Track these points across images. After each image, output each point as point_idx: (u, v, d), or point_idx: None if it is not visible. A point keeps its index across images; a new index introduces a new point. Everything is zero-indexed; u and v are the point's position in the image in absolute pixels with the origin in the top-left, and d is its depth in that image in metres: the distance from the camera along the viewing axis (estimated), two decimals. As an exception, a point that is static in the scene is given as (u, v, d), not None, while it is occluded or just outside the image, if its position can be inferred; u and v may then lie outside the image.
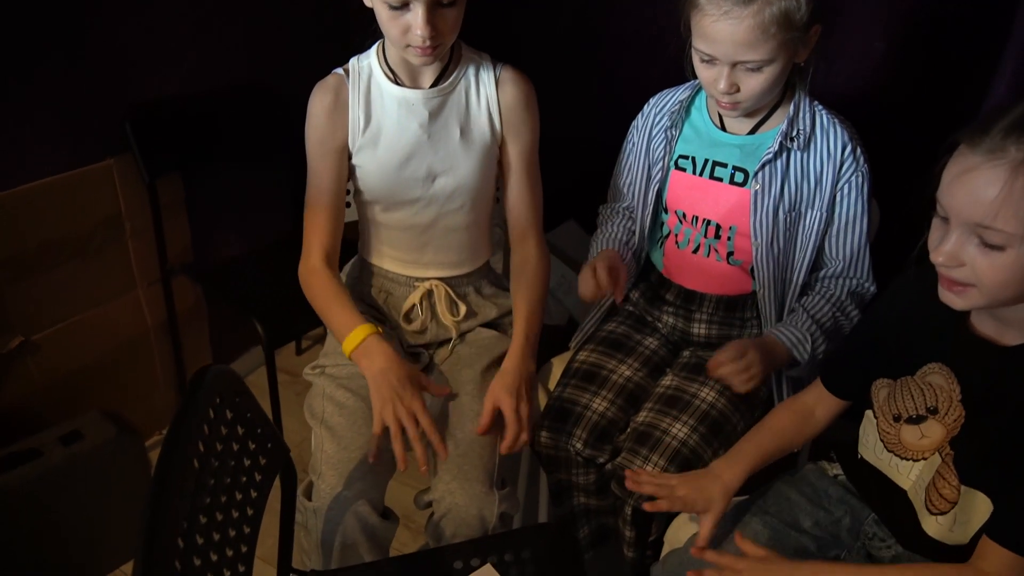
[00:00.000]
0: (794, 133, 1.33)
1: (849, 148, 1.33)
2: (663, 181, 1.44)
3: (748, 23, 1.18)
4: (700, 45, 1.25)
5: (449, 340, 1.50)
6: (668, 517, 1.40)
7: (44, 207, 1.68)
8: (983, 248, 0.89)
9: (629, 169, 1.50)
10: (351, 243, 1.58)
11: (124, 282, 1.90)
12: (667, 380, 1.47)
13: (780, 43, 1.20)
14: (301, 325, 1.92)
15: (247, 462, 1.05)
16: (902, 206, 1.48)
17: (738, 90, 1.26)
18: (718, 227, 1.40)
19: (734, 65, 1.23)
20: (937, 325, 1.03)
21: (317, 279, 1.39)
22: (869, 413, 1.13)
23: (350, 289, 1.53)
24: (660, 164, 1.43)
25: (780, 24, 1.19)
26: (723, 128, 1.39)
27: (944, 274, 0.93)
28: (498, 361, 1.46)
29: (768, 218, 1.35)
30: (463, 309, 1.49)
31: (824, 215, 1.36)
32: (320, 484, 1.28)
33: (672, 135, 1.42)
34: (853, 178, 1.34)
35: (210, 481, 0.95)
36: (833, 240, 1.39)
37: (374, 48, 1.38)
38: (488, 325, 1.54)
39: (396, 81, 1.36)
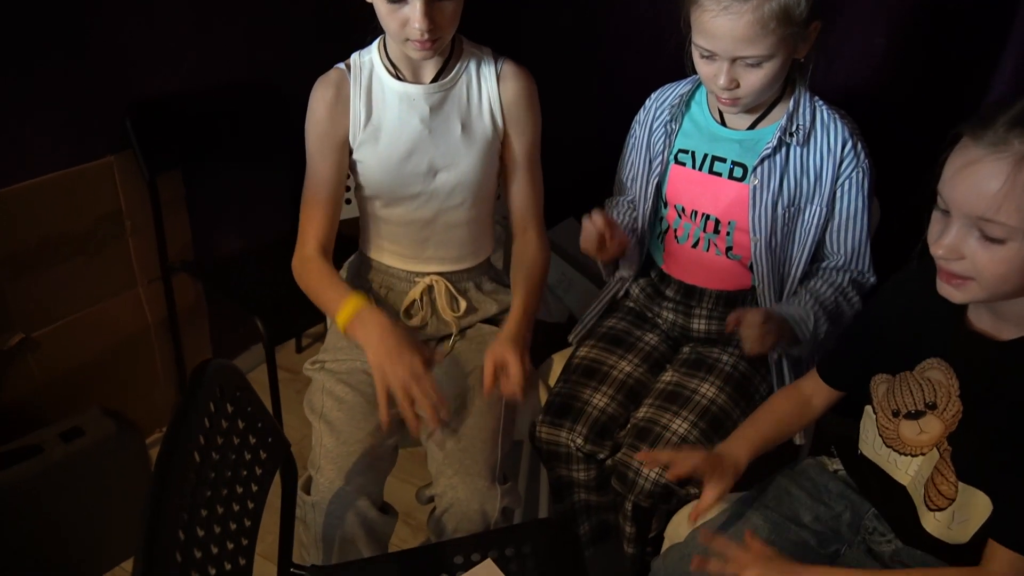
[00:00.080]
0: (793, 128, 1.33)
1: (850, 144, 1.33)
2: (663, 175, 1.44)
3: (747, 18, 1.18)
4: (700, 41, 1.25)
5: (449, 336, 1.50)
6: (668, 513, 1.40)
7: (45, 204, 1.68)
8: (984, 241, 0.89)
9: (631, 164, 1.51)
10: (351, 240, 1.58)
11: (124, 279, 1.90)
12: (667, 376, 1.47)
13: (779, 38, 1.20)
14: (301, 322, 1.92)
15: (247, 456, 1.05)
16: (903, 204, 1.49)
17: (738, 86, 1.26)
18: (717, 222, 1.40)
19: (733, 61, 1.23)
20: (936, 320, 1.03)
21: (310, 266, 1.39)
22: (868, 408, 1.13)
23: (350, 283, 1.53)
24: (660, 158, 1.43)
25: (779, 19, 1.19)
26: (723, 123, 1.39)
27: (943, 267, 0.93)
28: (498, 356, 1.47)
29: (767, 213, 1.35)
30: (463, 305, 1.49)
31: (824, 211, 1.37)
32: (319, 478, 1.28)
33: (672, 129, 1.42)
34: (854, 174, 1.34)
35: (211, 474, 0.95)
36: (834, 235, 1.39)
37: (375, 43, 1.38)
38: (488, 321, 1.54)
39: (397, 76, 1.36)
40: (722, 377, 1.43)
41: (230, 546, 0.96)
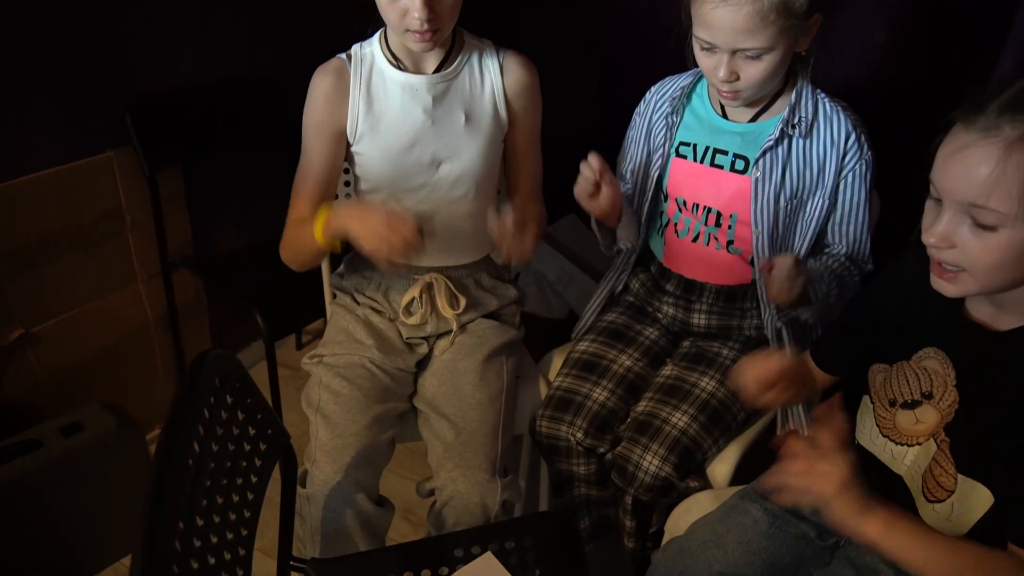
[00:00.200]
0: (795, 120, 1.33)
1: (853, 136, 1.33)
2: (663, 168, 1.44)
3: (747, 10, 1.18)
4: (700, 33, 1.25)
5: (449, 332, 1.50)
6: (669, 507, 1.40)
7: (45, 199, 1.68)
8: (975, 229, 0.88)
9: (631, 156, 1.50)
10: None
11: (124, 275, 1.90)
12: (667, 370, 1.47)
13: (779, 30, 1.20)
14: (301, 317, 1.93)
15: (247, 447, 1.05)
16: (902, 199, 1.48)
17: (738, 78, 1.26)
18: (719, 215, 1.40)
19: (734, 53, 1.23)
20: (933, 310, 1.02)
21: (289, 230, 1.41)
22: (866, 398, 1.13)
23: (348, 281, 1.53)
24: (661, 151, 1.43)
25: (779, 11, 1.19)
26: (724, 116, 1.39)
27: (935, 256, 0.93)
28: (499, 350, 1.47)
29: (769, 206, 1.35)
30: (463, 302, 1.49)
31: (826, 203, 1.36)
32: (314, 471, 1.28)
33: (673, 121, 1.42)
34: (857, 166, 1.34)
35: (210, 464, 0.95)
36: (836, 227, 1.39)
37: (376, 36, 1.38)
38: (489, 316, 1.53)
39: (399, 67, 1.36)
40: (722, 371, 1.42)
41: (230, 536, 0.96)
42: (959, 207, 0.89)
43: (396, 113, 1.36)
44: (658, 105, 1.46)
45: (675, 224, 1.46)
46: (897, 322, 1.08)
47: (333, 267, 1.60)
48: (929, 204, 0.93)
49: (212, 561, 0.89)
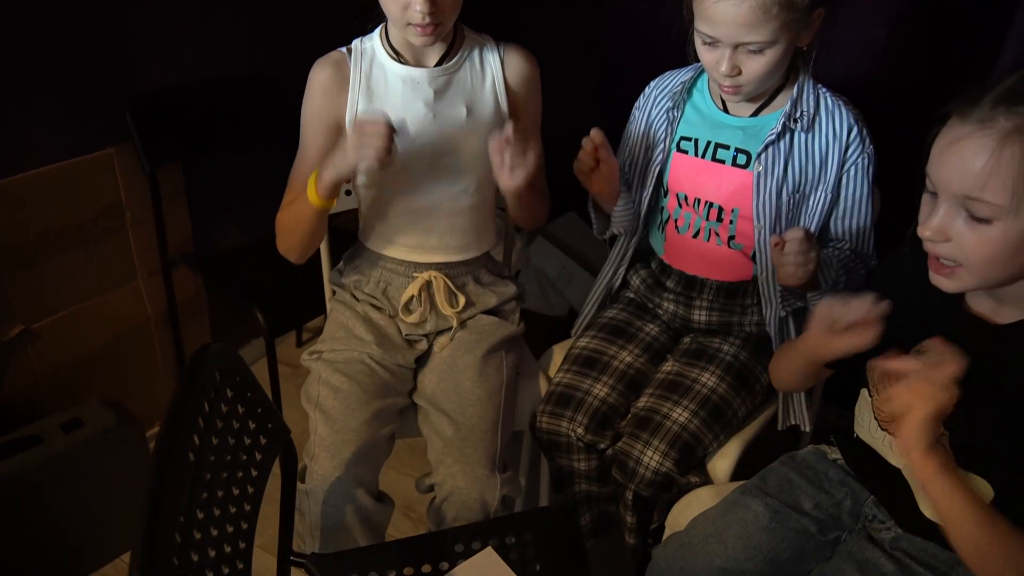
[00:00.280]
0: (797, 115, 1.32)
1: (856, 130, 1.33)
2: (664, 163, 1.44)
3: (750, 3, 1.18)
4: (702, 27, 1.25)
5: (449, 328, 1.49)
6: (669, 503, 1.40)
7: (45, 195, 1.68)
8: (971, 222, 0.88)
9: (630, 151, 1.50)
10: (350, 234, 1.58)
11: (125, 272, 1.89)
12: (668, 366, 1.47)
13: (782, 24, 1.20)
14: (302, 314, 1.92)
15: (247, 441, 1.05)
16: (902, 195, 1.48)
17: (740, 73, 1.25)
18: (720, 210, 1.40)
19: (736, 47, 1.23)
20: (932, 304, 1.02)
21: (281, 214, 1.43)
22: (864, 392, 1.13)
23: (348, 276, 1.53)
24: (661, 146, 1.43)
25: (782, 5, 1.19)
26: (726, 110, 1.39)
27: (931, 250, 0.93)
28: (498, 346, 1.47)
29: (771, 200, 1.35)
30: (462, 300, 1.48)
31: (828, 197, 1.36)
32: (313, 467, 1.28)
33: (674, 116, 1.42)
34: (859, 160, 1.34)
35: (210, 457, 0.94)
36: (839, 221, 1.39)
37: (377, 31, 1.38)
38: (488, 312, 1.53)
39: (400, 61, 1.36)
40: (723, 367, 1.42)
41: (230, 529, 0.95)
42: (954, 200, 0.89)
43: (397, 106, 1.36)
44: (658, 100, 1.45)
45: (675, 220, 1.46)
46: (896, 316, 1.08)
47: (333, 263, 1.60)
48: (925, 198, 0.93)
49: (212, 554, 0.89)
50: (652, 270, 1.56)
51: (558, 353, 1.61)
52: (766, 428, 1.48)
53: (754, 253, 1.41)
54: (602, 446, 1.43)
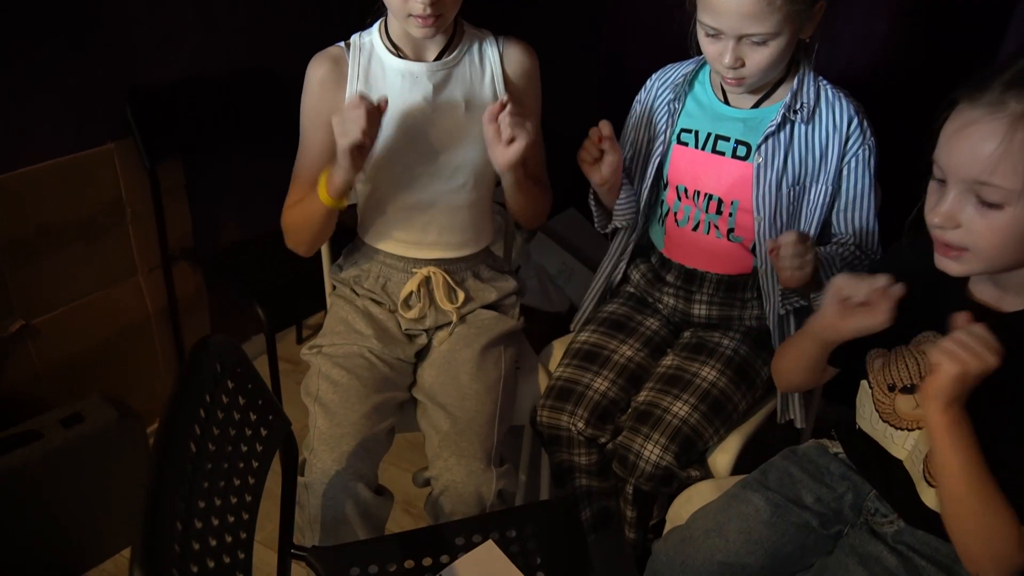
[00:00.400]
0: (797, 106, 1.32)
1: (856, 121, 1.33)
2: (664, 155, 1.44)
3: None
4: (705, 18, 1.24)
5: (449, 323, 1.49)
6: (669, 498, 1.40)
7: (45, 190, 1.68)
8: (981, 207, 0.88)
9: (631, 144, 1.50)
10: (349, 230, 1.58)
11: (125, 267, 1.89)
12: (668, 360, 1.47)
13: (785, 16, 1.20)
14: (302, 309, 1.92)
15: (248, 432, 1.05)
16: (903, 190, 1.48)
17: (743, 64, 1.25)
18: (720, 202, 1.40)
19: (739, 39, 1.23)
20: (934, 292, 1.02)
21: (290, 210, 1.42)
22: (864, 383, 1.12)
23: (347, 271, 1.53)
24: (662, 138, 1.43)
25: None
26: (726, 102, 1.39)
27: (939, 237, 0.92)
28: (497, 340, 1.46)
29: (771, 192, 1.35)
30: (461, 296, 1.48)
31: (829, 189, 1.36)
32: (312, 460, 1.28)
33: (675, 108, 1.42)
34: (860, 151, 1.34)
35: (211, 448, 0.94)
36: (842, 215, 1.38)
37: (376, 24, 1.38)
38: (488, 307, 1.53)
39: (399, 55, 1.36)
40: (723, 361, 1.42)
41: (231, 519, 0.95)
42: (964, 185, 0.88)
43: (395, 101, 1.35)
44: (660, 92, 1.45)
45: (675, 213, 1.46)
46: (896, 306, 1.07)
47: (333, 258, 1.60)
48: (932, 186, 0.93)
49: (213, 543, 0.89)
50: (652, 264, 1.55)
51: (558, 348, 1.61)
52: (766, 423, 1.48)
53: (754, 246, 1.41)
54: (602, 440, 1.42)
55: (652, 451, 1.33)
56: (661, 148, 1.43)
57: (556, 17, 2.23)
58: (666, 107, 1.43)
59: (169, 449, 0.85)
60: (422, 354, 1.49)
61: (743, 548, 1.15)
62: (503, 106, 1.24)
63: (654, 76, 1.48)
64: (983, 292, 0.99)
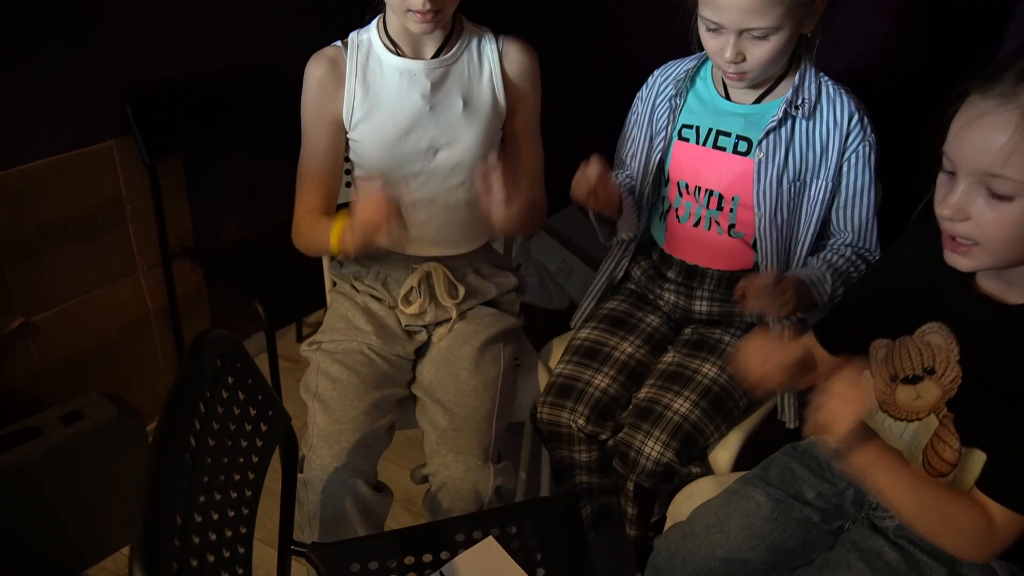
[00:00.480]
0: (799, 102, 1.32)
1: (856, 117, 1.33)
2: (666, 151, 1.44)
3: None
4: (706, 13, 1.24)
5: (449, 320, 1.49)
6: (670, 495, 1.39)
7: (45, 187, 1.67)
8: (990, 200, 0.87)
9: (632, 140, 1.50)
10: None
11: (125, 265, 1.89)
12: (669, 357, 1.47)
13: (786, 10, 1.20)
14: (302, 307, 1.92)
15: (248, 427, 1.05)
16: (903, 187, 1.48)
17: (744, 59, 1.25)
18: (720, 197, 1.40)
19: (740, 33, 1.23)
20: (939, 284, 1.02)
21: (304, 221, 1.41)
22: (866, 373, 1.12)
23: (348, 269, 1.53)
24: (663, 134, 1.43)
25: None
26: (728, 97, 1.38)
27: (948, 229, 0.92)
28: (497, 337, 1.46)
29: (772, 188, 1.35)
30: (462, 291, 1.48)
31: (830, 185, 1.36)
32: (311, 456, 1.28)
33: (676, 104, 1.42)
34: (860, 148, 1.34)
35: (211, 443, 0.94)
36: (841, 211, 1.38)
37: (374, 22, 1.38)
38: (488, 303, 1.53)
39: (397, 52, 1.36)
40: (724, 357, 1.42)
41: (231, 513, 0.95)
42: (974, 177, 0.88)
43: (393, 98, 1.35)
44: (662, 88, 1.45)
45: (676, 209, 1.46)
46: (901, 297, 1.07)
47: (333, 256, 1.60)
48: (942, 178, 0.93)
49: (213, 537, 0.89)
50: (653, 260, 1.55)
51: (558, 345, 1.60)
52: (767, 419, 1.48)
53: (755, 241, 1.41)
54: (603, 437, 1.42)
55: (653, 448, 1.33)
56: (662, 144, 1.43)
57: (557, 14, 2.23)
58: (667, 103, 1.43)
59: (169, 443, 0.85)
60: (422, 351, 1.49)
61: (744, 544, 1.15)
62: (493, 167, 1.22)
63: (656, 72, 1.48)
64: (988, 284, 0.99)
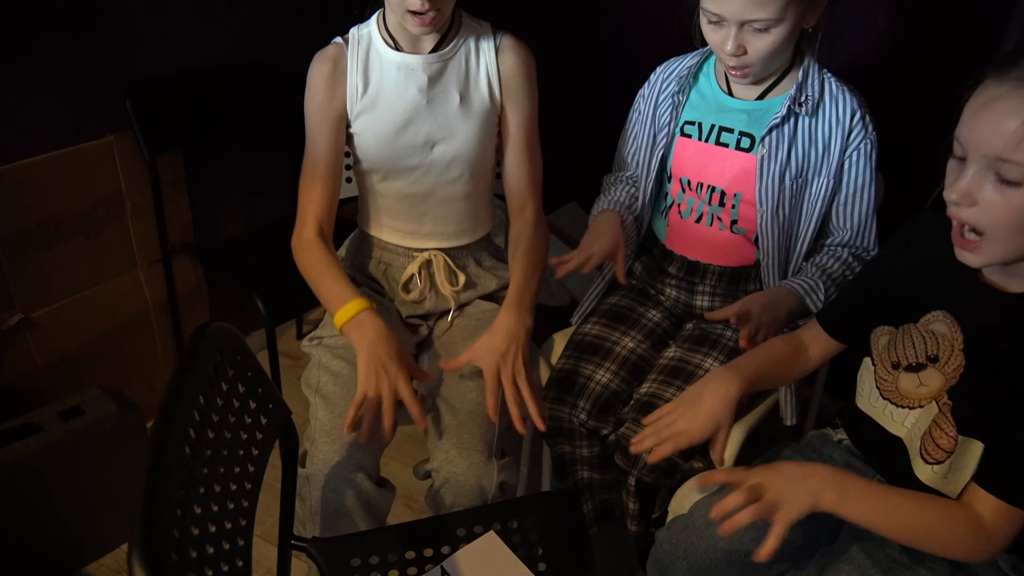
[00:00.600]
0: (802, 99, 1.32)
1: (858, 115, 1.33)
2: (668, 147, 1.43)
3: None
4: (708, 5, 1.24)
5: (448, 311, 1.49)
6: (671, 490, 1.39)
7: (44, 183, 1.67)
8: (1000, 185, 0.87)
9: (635, 137, 1.50)
10: (351, 223, 1.58)
11: (124, 261, 1.89)
12: (670, 352, 1.46)
13: (788, 1, 1.19)
14: (302, 303, 1.92)
15: (248, 420, 1.04)
16: (904, 183, 1.48)
17: (746, 52, 1.25)
18: (723, 194, 1.39)
19: (742, 25, 1.22)
20: (944, 272, 1.02)
21: (310, 252, 1.38)
22: (867, 360, 1.12)
23: (349, 261, 1.53)
24: (666, 130, 1.42)
25: None
26: (730, 94, 1.38)
27: (955, 214, 0.92)
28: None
29: (774, 184, 1.34)
30: (462, 279, 1.48)
31: (831, 182, 1.36)
32: (313, 451, 1.27)
33: (679, 100, 1.41)
34: (862, 145, 1.34)
35: (210, 434, 0.94)
36: (841, 208, 1.38)
37: (374, 17, 1.38)
38: (488, 298, 1.53)
39: (396, 47, 1.36)
40: (725, 352, 1.42)
41: (231, 505, 0.95)
42: (984, 162, 0.88)
43: (391, 93, 1.36)
44: (664, 85, 1.45)
45: (678, 205, 1.46)
46: (907, 285, 1.07)
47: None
48: (952, 164, 0.92)
49: (213, 529, 0.88)
50: (654, 256, 1.55)
51: (559, 341, 1.60)
52: (769, 414, 1.47)
53: (756, 237, 1.40)
54: (604, 432, 1.42)
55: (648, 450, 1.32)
56: (665, 140, 1.43)
57: (557, 10, 2.23)
58: (670, 99, 1.42)
59: (168, 433, 0.85)
60: (423, 346, 1.48)
61: (746, 535, 1.14)
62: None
63: (658, 69, 1.48)
64: (991, 273, 0.99)
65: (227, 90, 1.95)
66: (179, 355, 2.08)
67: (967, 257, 0.93)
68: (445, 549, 1.18)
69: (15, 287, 1.68)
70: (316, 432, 1.29)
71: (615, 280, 1.60)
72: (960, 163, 0.90)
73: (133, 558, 0.72)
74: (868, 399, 1.11)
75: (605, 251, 1.38)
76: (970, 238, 0.92)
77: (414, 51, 1.36)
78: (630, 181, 1.53)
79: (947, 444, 0.99)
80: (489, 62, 1.39)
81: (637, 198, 1.50)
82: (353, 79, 1.36)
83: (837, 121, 1.33)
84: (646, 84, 1.50)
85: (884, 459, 1.13)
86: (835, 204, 1.39)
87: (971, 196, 0.89)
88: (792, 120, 1.33)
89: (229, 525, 0.92)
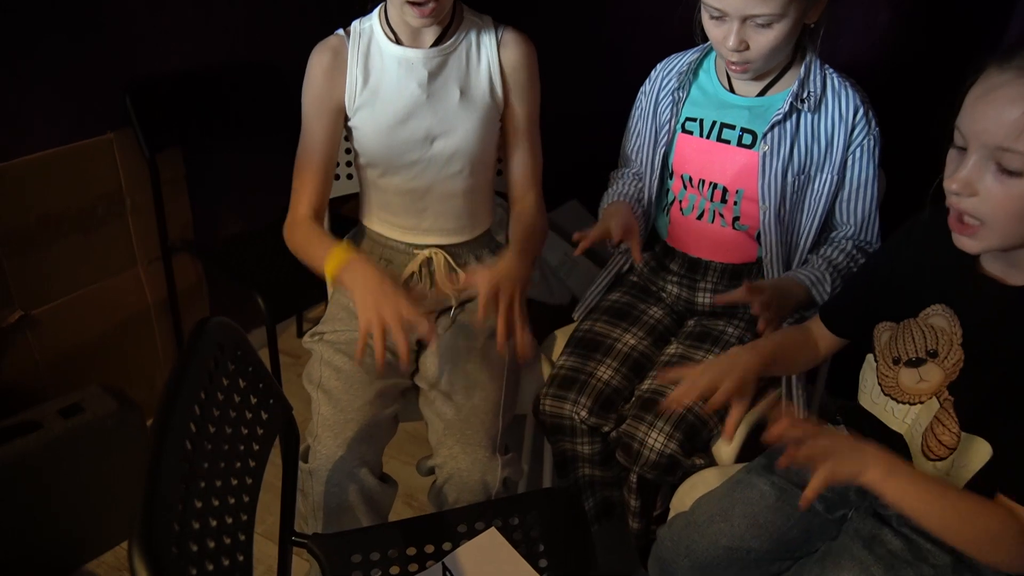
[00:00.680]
0: (804, 95, 1.32)
1: (861, 111, 1.32)
2: (669, 144, 1.43)
3: None
4: (709, 0, 1.24)
5: (449, 309, 1.48)
6: (673, 487, 1.39)
7: (45, 180, 1.67)
8: (999, 176, 0.87)
9: (637, 134, 1.50)
10: (352, 220, 1.57)
11: (125, 258, 1.89)
12: (672, 348, 1.46)
13: None
14: (302, 300, 1.92)
15: (248, 415, 1.04)
16: (905, 179, 1.47)
17: (747, 48, 1.24)
18: (724, 191, 1.39)
19: (744, 20, 1.22)
20: (944, 265, 1.02)
21: (300, 227, 1.39)
22: (870, 357, 1.12)
23: None
24: (667, 127, 1.42)
25: None
26: (732, 90, 1.38)
27: (955, 205, 0.91)
28: (501, 330, 1.46)
29: (776, 181, 1.34)
30: (462, 277, 1.48)
31: (834, 178, 1.35)
32: (316, 447, 1.27)
33: (679, 97, 1.41)
34: (865, 141, 1.33)
35: (211, 429, 0.93)
36: (844, 204, 1.38)
37: (376, 10, 1.38)
38: (489, 295, 1.52)
39: (397, 41, 1.35)
40: (727, 349, 1.41)
41: (231, 500, 0.94)
42: (985, 151, 0.87)
43: (391, 87, 1.36)
44: (665, 82, 1.45)
45: (680, 202, 1.45)
46: (907, 280, 1.07)
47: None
48: (952, 154, 0.92)
49: (214, 523, 0.88)
50: (655, 253, 1.55)
51: (560, 338, 1.60)
52: (771, 411, 1.47)
53: (759, 234, 1.40)
54: (606, 429, 1.41)
55: (656, 439, 1.32)
56: (666, 137, 1.42)
57: (558, 10, 2.22)
58: (671, 96, 1.42)
59: (168, 428, 0.84)
60: (424, 343, 1.48)
61: (748, 533, 1.15)
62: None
63: (659, 66, 1.48)
64: (992, 266, 0.98)
65: (227, 89, 1.95)
66: (179, 352, 2.08)
67: (964, 243, 0.93)
68: (446, 545, 1.18)
69: (15, 284, 1.68)
70: (319, 427, 1.29)
71: (617, 276, 1.60)
72: (960, 153, 0.90)
73: (133, 550, 0.72)
74: (870, 396, 1.11)
75: (622, 226, 1.36)
76: (969, 222, 0.91)
77: (415, 45, 1.36)
78: (637, 176, 1.53)
79: (949, 440, 0.99)
80: (491, 57, 1.38)
81: (644, 192, 1.50)
82: (353, 72, 1.36)
83: (840, 117, 1.33)
84: (647, 80, 1.50)
85: None
86: (838, 200, 1.38)
87: (971, 186, 0.89)
88: (794, 116, 1.33)
89: (230, 520, 0.92)
